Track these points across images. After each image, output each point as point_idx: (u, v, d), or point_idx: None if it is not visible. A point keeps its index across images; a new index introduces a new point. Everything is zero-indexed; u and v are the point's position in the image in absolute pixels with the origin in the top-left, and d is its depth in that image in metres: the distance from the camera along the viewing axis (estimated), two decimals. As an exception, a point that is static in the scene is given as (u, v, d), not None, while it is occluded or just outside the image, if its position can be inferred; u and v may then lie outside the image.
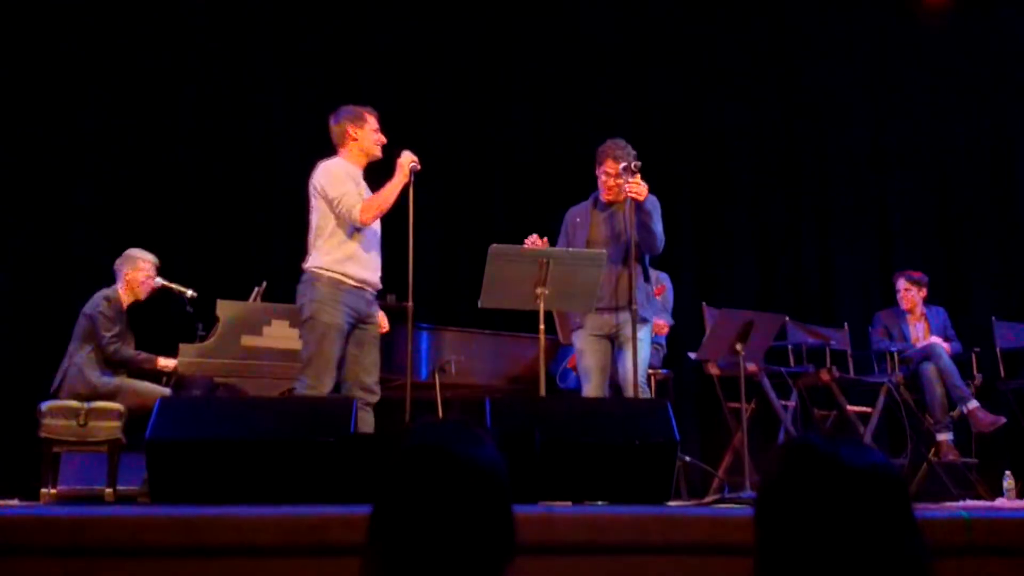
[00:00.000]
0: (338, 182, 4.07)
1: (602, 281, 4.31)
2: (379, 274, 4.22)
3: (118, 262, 4.79)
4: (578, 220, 4.46)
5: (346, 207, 4.03)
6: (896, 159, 7.10)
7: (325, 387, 3.97)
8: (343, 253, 4.06)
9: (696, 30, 7.04)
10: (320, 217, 4.12)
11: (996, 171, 7.06)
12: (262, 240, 6.46)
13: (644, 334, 4.39)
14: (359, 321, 4.11)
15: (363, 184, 4.20)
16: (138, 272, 4.76)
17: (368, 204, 4.05)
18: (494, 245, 4.05)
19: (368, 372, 4.12)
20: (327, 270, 4.04)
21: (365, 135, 4.19)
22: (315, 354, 3.99)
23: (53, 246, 6.14)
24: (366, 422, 4.06)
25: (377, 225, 4.22)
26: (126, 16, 6.45)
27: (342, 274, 4.05)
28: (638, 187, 4.18)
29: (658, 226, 4.36)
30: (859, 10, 7.10)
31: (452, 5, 6.82)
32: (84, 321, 4.60)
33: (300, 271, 4.13)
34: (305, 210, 4.23)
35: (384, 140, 4.23)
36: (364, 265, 4.11)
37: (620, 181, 4.33)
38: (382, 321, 4.31)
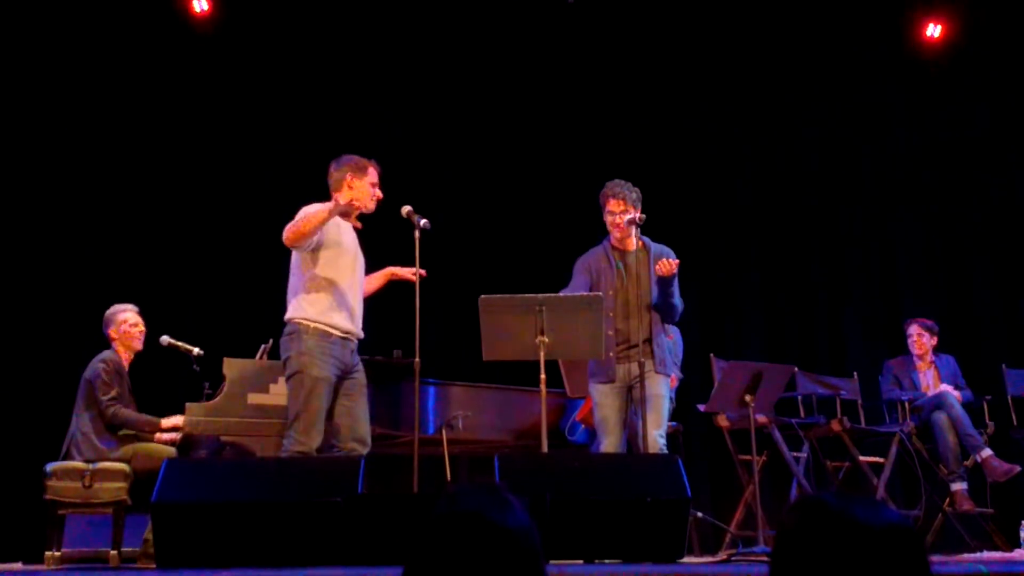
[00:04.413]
0: (304, 211, 3.99)
1: (622, 327, 4.30)
2: (360, 323, 4.15)
3: (103, 326, 4.78)
4: (603, 266, 4.43)
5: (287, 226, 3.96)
6: (903, 209, 7.12)
7: (314, 442, 3.90)
8: (327, 303, 4.00)
9: (699, 81, 7.12)
10: (300, 265, 4.07)
11: (1004, 219, 7.07)
12: (268, 298, 6.47)
13: (665, 389, 4.35)
14: (345, 372, 4.06)
15: (347, 232, 4.15)
16: (122, 324, 4.73)
17: (293, 225, 3.93)
18: (483, 296, 4.01)
19: (361, 423, 4.07)
20: (313, 321, 3.97)
21: (362, 186, 4.16)
22: (303, 409, 3.91)
23: (59, 307, 6.16)
24: None
25: (358, 273, 4.16)
26: (131, 73, 6.55)
27: (328, 325, 3.99)
28: (666, 266, 4.19)
29: (678, 299, 4.39)
30: (863, 59, 7.17)
31: (459, 58, 6.91)
32: (84, 386, 4.57)
33: (283, 323, 4.07)
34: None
35: (380, 196, 4.22)
36: (347, 315, 4.06)
37: (625, 219, 4.35)
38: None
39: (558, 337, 3.99)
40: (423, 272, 4.23)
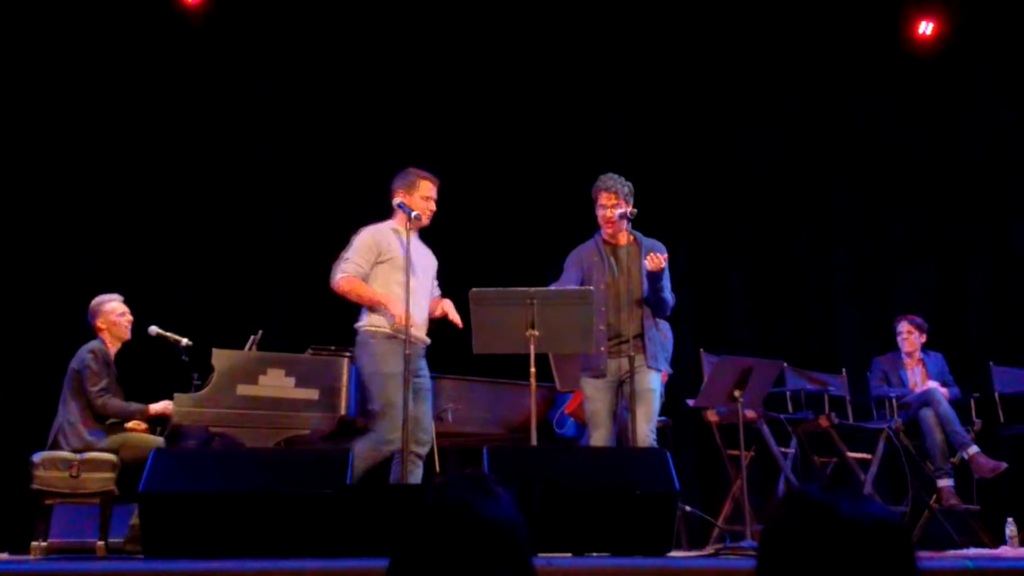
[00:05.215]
0: (353, 247, 4.28)
1: (613, 322, 4.30)
2: (425, 329, 4.39)
3: (88, 317, 4.76)
4: (595, 260, 4.43)
5: (335, 268, 4.25)
6: (894, 206, 7.13)
7: (400, 434, 4.02)
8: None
9: (693, 77, 7.11)
10: (368, 278, 4.29)
11: (994, 217, 7.10)
12: (257, 289, 6.46)
13: (657, 383, 4.36)
14: (412, 375, 4.22)
15: (411, 247, 4.28)
16: (110, 314, 4.72)
17: (349, 284, 4.21)
18: (474, 289, 4.03)
19: (422, 426, 4.26)
20: (378, 327, 4.19)
21: (412, 201, 4.34)
22: (387, 405, 4.11)
23: (45, 297, 6.13)
24: (415, 475, 4.17)
25: (421, 281, 4.34)
26: (121, 63, 6.51)
27: (395, 331, 4.18)
28: (655, 261, 4.21)
29: (669, 293, 4.40)
30: (856, 56, 7.18)
31: (451, 47, 6.88)
32: (72, 376, 4.56)
33: (353, 332, 4.30)
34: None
35: (433, 209, 4.39)
36: (413, 322, 4.22)
37: (616, 213, 4.36)
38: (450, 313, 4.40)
39: (549, 331, 3.99)
40: (460, 324, 4.38)
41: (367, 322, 4.26)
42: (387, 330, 4.18)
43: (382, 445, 4.09)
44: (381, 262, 4.27)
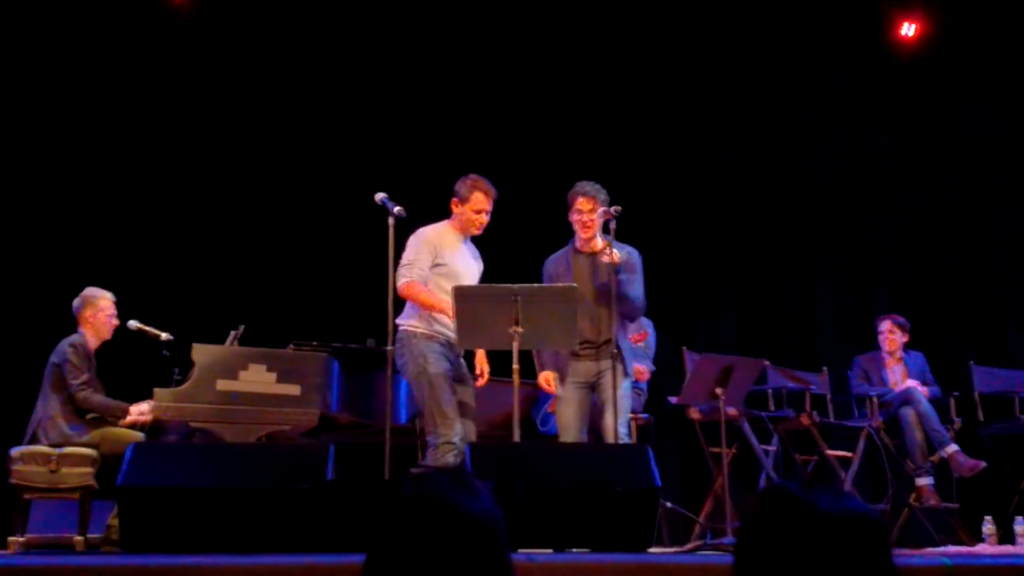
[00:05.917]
0: (413, 249, 4.28)
1: (583, 327, 4.31)
2: None
3: (76, 305, 4.70)
4: (561, 268, 4.46)
5: (400, 273, 4.23)
6: (876, 205, 7.17)
7: (454, 431, 4.07)
8: (432, 313, 4.21)
9: (681, 79, 7.12)
10: (427, 282, 4.28)
11: (975, 217, 7.14)
12: (239, 283, 6.43)
13: (626, 385, 4.38)
14: (455, 378, 4.24)
15: (461, 250, 4.33)
16: (99, 311, 4.69)
17: (411, 290, 4.20)
18: (457, 285, 4.06)
19: (467, 426, 4.24)
20: (419, 328, 4.21)
21: (463, 212, 4.36)
22: (435, 404, 4.10)
23: (24, 290, 6.08)
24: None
25: (466, 283, 4.34)
26: (106, 56, 6.46)
27: (435, 332, 4.21)
28: (609, 256, 4.23)
29: (635, 290, 4.39)
30: (843, 59, 7.21)
31: (439, 45, 6.87)
32: (52, 370, 4.52)
33: (395, 328, 4.26)
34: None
35: (484, 222, 4.38)
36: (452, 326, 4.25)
37: (593, 217, 4.36)
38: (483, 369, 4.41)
39: (533, 328, 3.99)
40: (480, 381, 4.38)
41: (408, 322, 4.26)
42: (426, 330, 4.21)
43: (439, 441, 4.08)
44: (435, 265, 4.27)
